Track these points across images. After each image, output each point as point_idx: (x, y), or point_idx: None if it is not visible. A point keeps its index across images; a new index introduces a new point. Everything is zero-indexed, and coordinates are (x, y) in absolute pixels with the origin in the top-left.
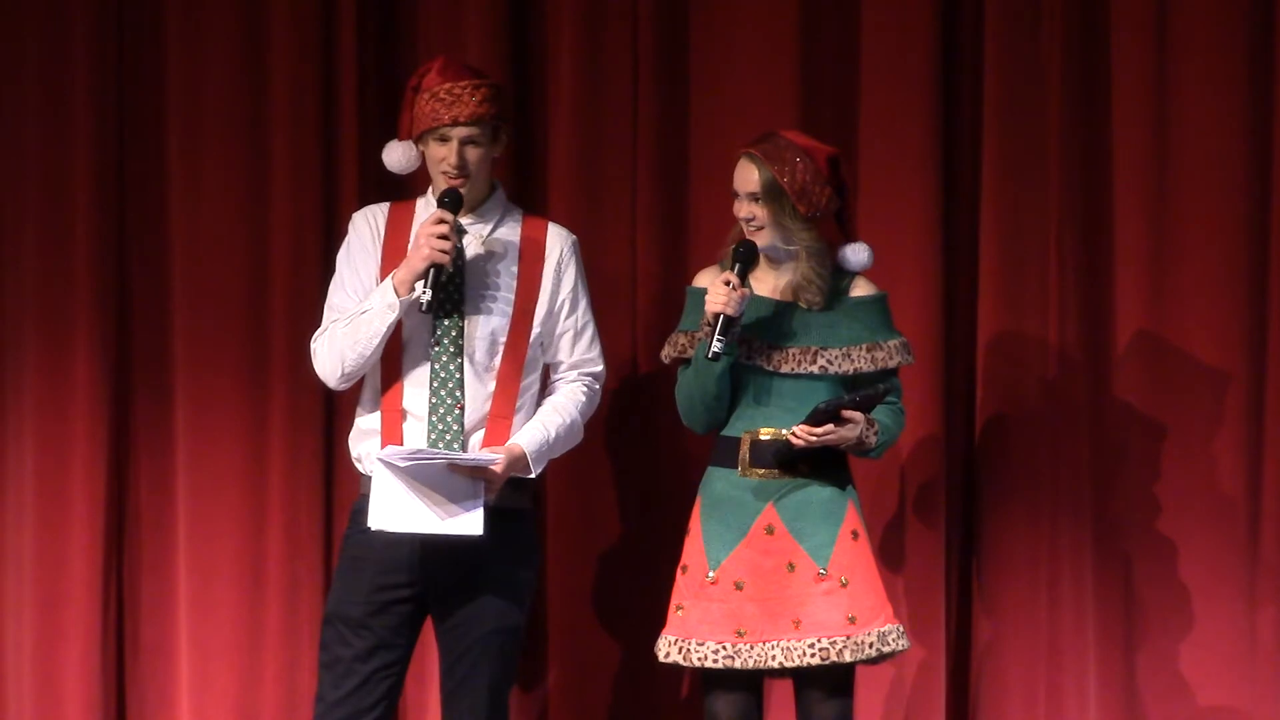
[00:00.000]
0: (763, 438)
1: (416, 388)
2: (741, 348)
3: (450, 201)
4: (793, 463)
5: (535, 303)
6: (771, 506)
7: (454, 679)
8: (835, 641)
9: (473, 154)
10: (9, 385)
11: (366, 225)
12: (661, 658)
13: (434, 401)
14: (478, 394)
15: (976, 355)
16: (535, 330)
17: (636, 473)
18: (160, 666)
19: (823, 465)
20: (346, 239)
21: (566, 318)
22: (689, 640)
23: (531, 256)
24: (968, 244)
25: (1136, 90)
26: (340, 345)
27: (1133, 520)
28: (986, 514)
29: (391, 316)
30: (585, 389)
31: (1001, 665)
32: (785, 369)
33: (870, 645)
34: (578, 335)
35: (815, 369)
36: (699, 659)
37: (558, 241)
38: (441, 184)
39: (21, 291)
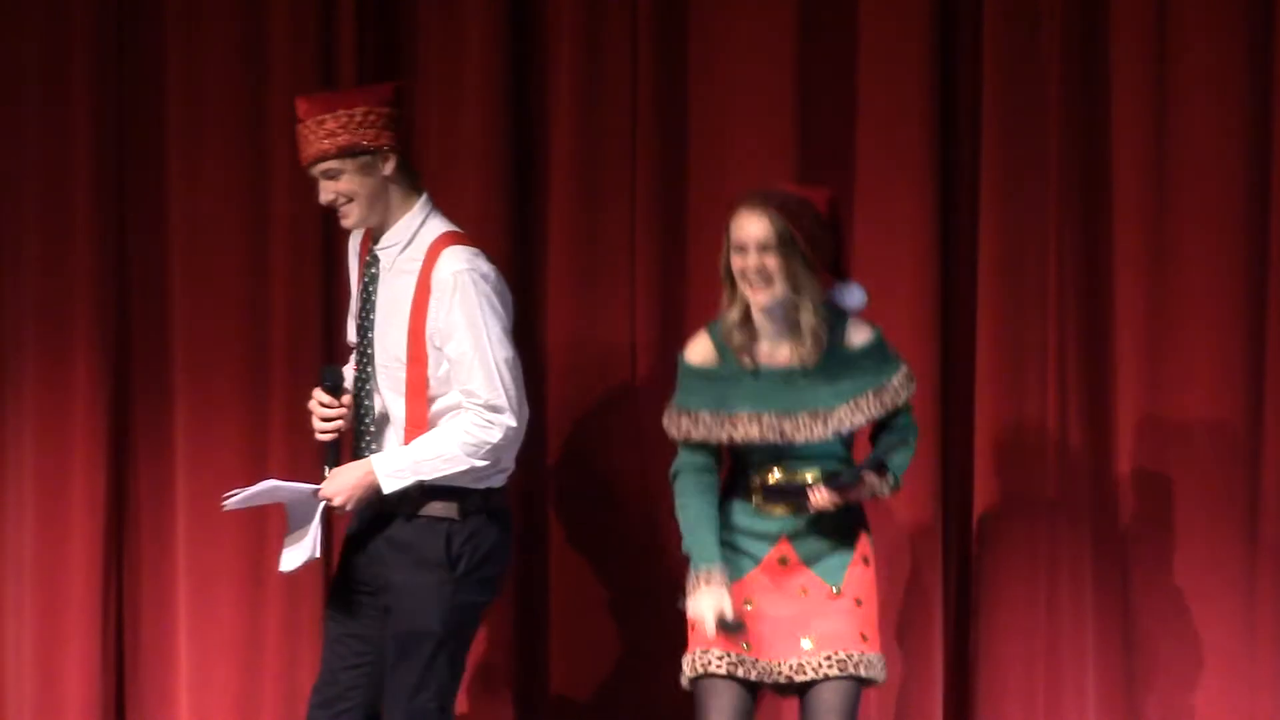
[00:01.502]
0: (775, 479)
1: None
2: (751, 425)
3: (329, 383)
4: (798, 494)
5: (424, 326)
6: (785, 540)
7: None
8: (853, 655)
9: (340, 186)
10: (9, 386)
11: (352, 257)
12: (684, 681)
13: (356, 422)
14: (392, 417)
15: (975, 358)
16: (430, 353)
17: (631, 475)
18: (160, 667)
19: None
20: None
21: (449, 347)
22: (695, 649)
23: (423, 284)
24: (967, 246)
25: (1136, 91)
26: None
27: (1132, 522)
28: (985, 516)
29: None
30: (474, 418)
31: (1000, 668)
32: (799, 439)
33: (880, 667)
34: (458, 364)
35: (829, 434)
36: (703, 665)
37: (442, 268)
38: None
39: (21, 293)
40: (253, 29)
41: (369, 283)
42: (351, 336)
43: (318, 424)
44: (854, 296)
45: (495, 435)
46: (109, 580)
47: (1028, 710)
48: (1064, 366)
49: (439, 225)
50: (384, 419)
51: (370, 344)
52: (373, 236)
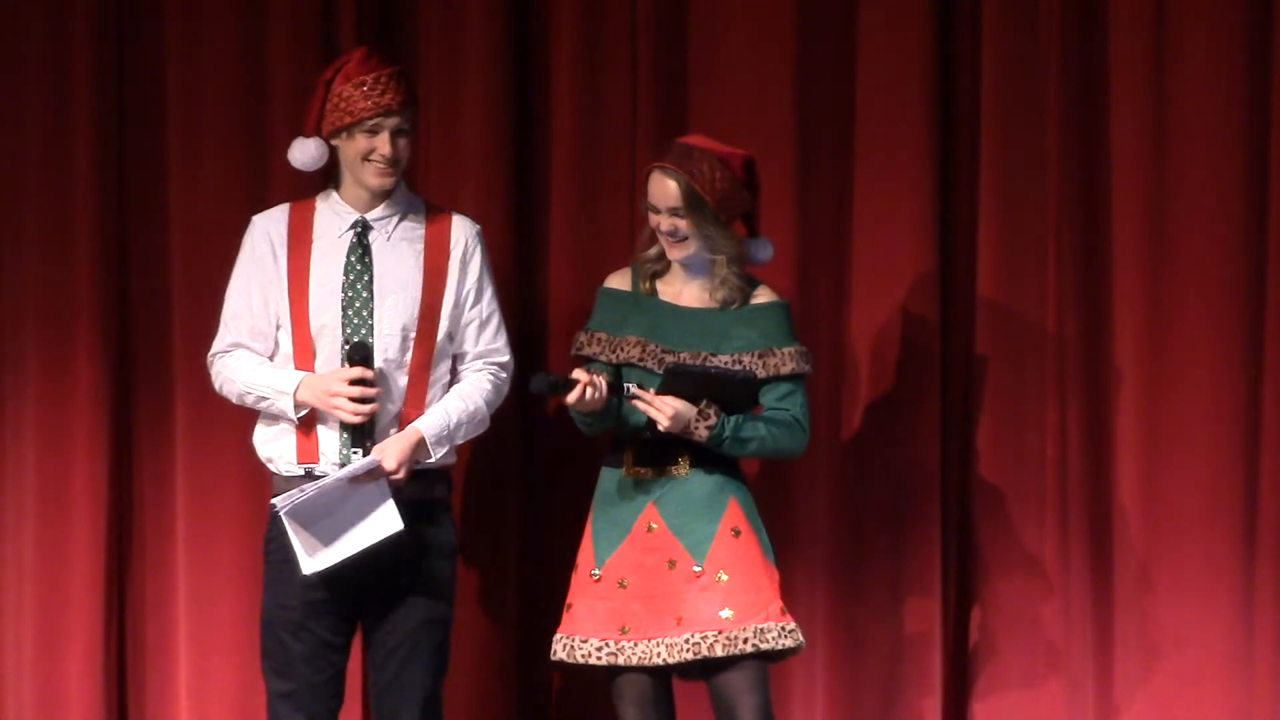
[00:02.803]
0: (645, 435)
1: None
2: (635, 348)
3: (358, 356)
4: (668, 455)
5: (442, 295)
6: (652, 505)
7: (386, 676)
8: (707, 636)
9: (404, 145)
10: (9, 384)
11: (266, 240)
12: (552, 657)
13: None
14: (390, 391)
15: (974, 352)
16: (443, 323)
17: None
18: (161, 665)
19: (703, 462)
20: (247, 245)
21: (472, 308)
22: (574, 637)
23: (436, 248)
24: (966, 242)
25: (1135, 89)
26: (239, 393)
27: (1130, 518)
28: (982, 508)
29: (289, 415)
30: (491, 377)
31: (999, 668)
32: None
33: (745, 640)
34: (483, 325)
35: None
36: (583, 655)
37: (462, 232)
38: (369, 178)
39: (22, 290)
40: (252, 26)
41: (360, 255)
42: (244, 321)
43: (348, 406)
44: (763, 250)
45: (505, 390)
46: (110, 578)
47: (1025, 706)
48: (1063, 363)
49: (417, 197)
50: (383, 396)
51: (369, 318)
52: (356, 204)
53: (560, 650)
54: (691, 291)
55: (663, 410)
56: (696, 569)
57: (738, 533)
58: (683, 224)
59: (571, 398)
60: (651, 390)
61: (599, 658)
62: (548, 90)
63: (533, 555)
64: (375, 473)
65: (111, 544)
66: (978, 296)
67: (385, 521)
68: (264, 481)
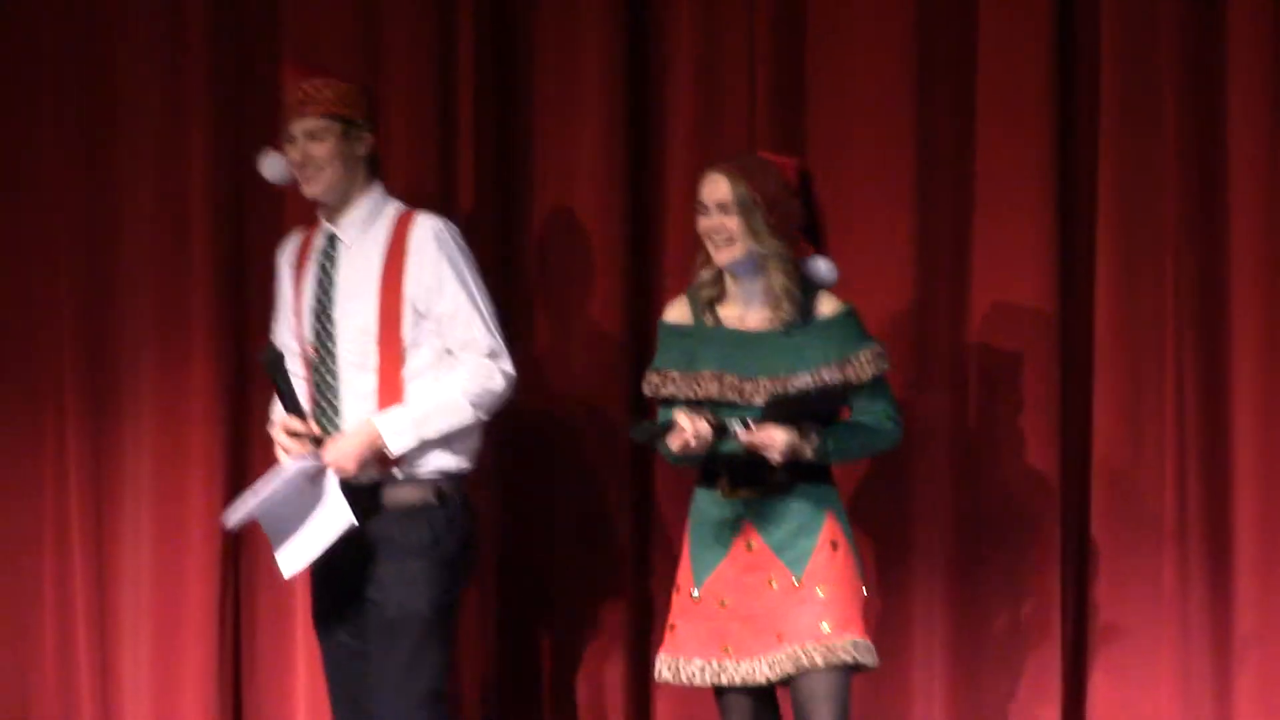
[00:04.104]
0: (740, 458)
1: (302, 396)
2: (712, 383)
3: (268, 358)
4: (763, 474)
5: (400, 295)
6: (750, 525)
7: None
8: (807, 647)
9: (318, 149)
10: (128, 399)
11: (281, 270)
12: (657, 677)
13: (315, 407)
14: (358, 391)
15: (1092, 362)
16: (406, 319)
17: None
18: (278, 681)
19: (798, 477)
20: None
21: (439, 303)
22: (678, 658)
23: (397, 249)
24: (1085, 249)
25: (1254, 97)
26: None
27: (1245, 536)
28: (1100, 535)
29: None
30: (473, 366)
31: (1117, 669)
32: (758, 401)
33: (844, 650)
34: (453, 318)
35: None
36: (688, 676)
37: (420, 230)
38: (300, 186)
39: (139, 303)
40: (369, 44)
41: (327, 266)
42: (288, 336)
43: (283, 456)
44: (824, 270)
45: (498, 383)
46: (225, 594)
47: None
48: (1180, 378)
49: (399, 204)
50: (348, 398)
51: (328, 326)
52: (327, 216)
53: (665, 670)
54: (755, 314)
55: (772, 444)
56: (795, 583)
57: (835, 546)
58: (731, 223)
59: (675, 445)
60: (751, 424)
61: (703, 678)
62: (665, 85)
63: (643, 575)
64: (318, 475)
65: (227, 558)
66: (1096, 307)
67: (335, 517)
68: None
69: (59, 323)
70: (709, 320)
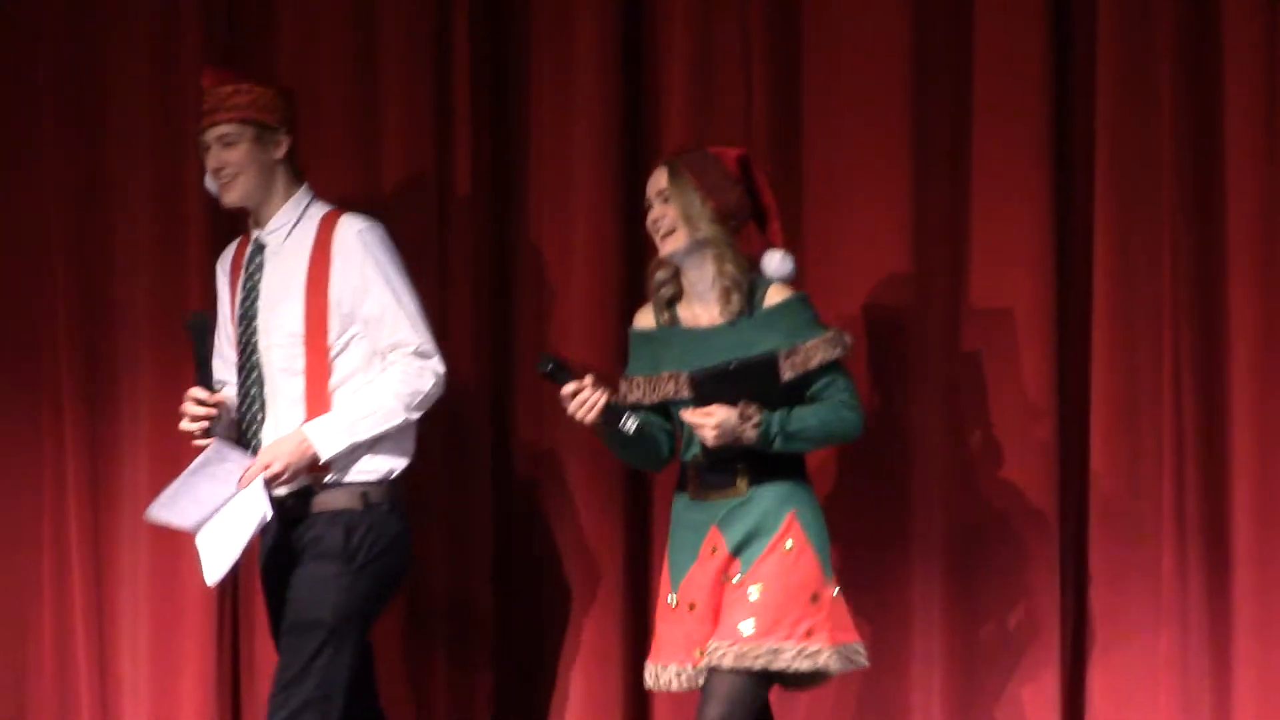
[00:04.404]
0: (700, 461)
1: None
2: (669, 384)
3: (194, 323)
4: (730, 477)
5: (326, 297)
6: (715, 528)
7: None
8: (722, 645)
9: (231, 155)
10: (125, 398)
11: (221, 274)
12: (645, 685)
13: (242, 410)
14: (287, 396)
15: (1090, 361)
16: (333, 324)
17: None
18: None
19: (765, 477)
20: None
21: (365, 304)
22: (657, 664)
23: (322, 252)
24: (1082, 237)
25: (1251, 90)
26: None
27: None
28: (1099, 537)
29: None
30: (403, 367)
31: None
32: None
33: (758, 656)
34: (380, 319)
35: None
36: (665, 682)
37: (345, 231)
38: (221, 195)
39: (136, 309)
40: (367, 24)
41: (254, 272)
42: (228, 346)
43: (186, 424)
44: (778, 263)
45: (428, 382)
46: (223, 593)
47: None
48: (1178, 375)
49: (326, 205)
50: (277, 404)
51: (254, 332)
52: (254, 223)
53: (649, 678)
54: (707, 311)
55: (705, 421)
56: (735, 580)
57: (789, 546)
58: (670, 212)
59: (565, 390)
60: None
61: (680, 683)
62: (659, 85)
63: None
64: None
65: None
66: (1094, 295)
67: (253, 509)
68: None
69: (57, 322)
70: (667, 320)
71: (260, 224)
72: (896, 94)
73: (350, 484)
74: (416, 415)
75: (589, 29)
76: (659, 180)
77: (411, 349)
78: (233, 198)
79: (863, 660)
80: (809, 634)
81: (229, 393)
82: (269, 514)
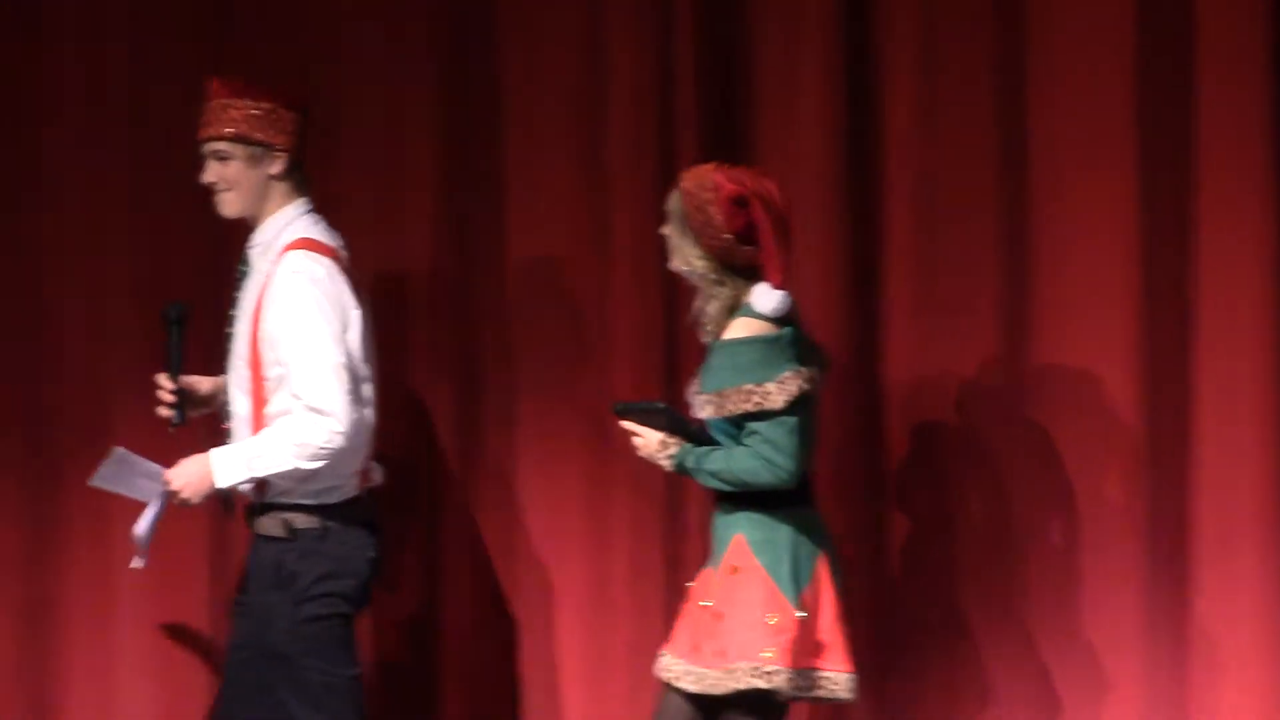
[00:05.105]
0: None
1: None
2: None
3: (169, 313)
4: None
5: (257, 328)
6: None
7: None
8: (680, 664)
9: (222, 171)
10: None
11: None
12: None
13: (221, 410)
14: (239, 412)
15: None
16: (266, 354)
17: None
18: None
19: (721, 500)
20: None
21: (281, 348)
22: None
23: (267, 284)
24: None
25: None
26: None
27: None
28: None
29: None
30: (298, 419)
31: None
32: (692, 415)
33: (684, 678)
34: (289, 366)
35: (701, 414)
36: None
37: (283, 270)
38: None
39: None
40: (593, 30)
41: (240, 280)
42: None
43: (159, 409)
44: (763, 298)
45: (320, 438)
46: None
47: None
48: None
49: (303, 229)
50: (236, 414)
51: (230, 342)
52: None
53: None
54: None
55: (635, 440)
56: (701, 603)
57: (735, 570)
58: (671, 232)
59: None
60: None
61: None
62: (883, 103)
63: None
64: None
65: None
66: None
67: (145, 520)
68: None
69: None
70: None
71: (252, 236)
72: (1119, 104)
73: (278, 511)
74: (313, 466)
75: (814, 32)
76: (668, 200)
77: (305, 403)
78: (225, 211)
79: (839, 691)
80: (760, 655)
81: (208, 380)
82: (142, 532)
